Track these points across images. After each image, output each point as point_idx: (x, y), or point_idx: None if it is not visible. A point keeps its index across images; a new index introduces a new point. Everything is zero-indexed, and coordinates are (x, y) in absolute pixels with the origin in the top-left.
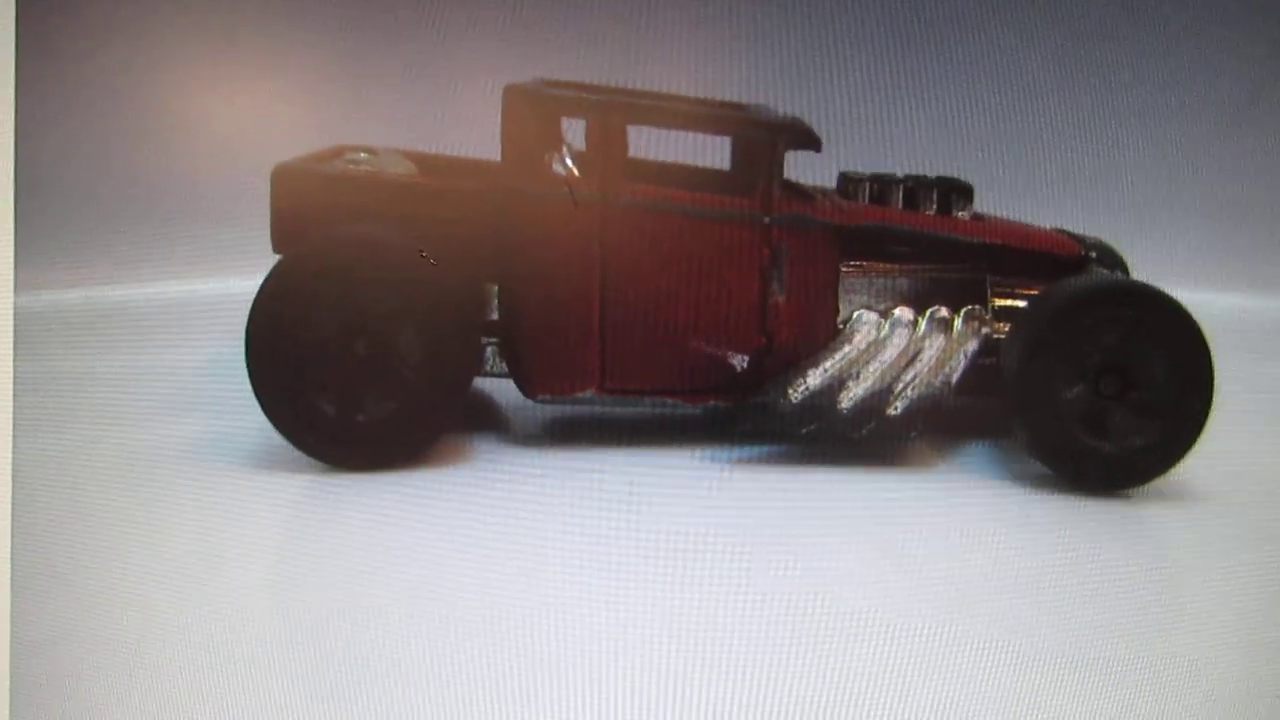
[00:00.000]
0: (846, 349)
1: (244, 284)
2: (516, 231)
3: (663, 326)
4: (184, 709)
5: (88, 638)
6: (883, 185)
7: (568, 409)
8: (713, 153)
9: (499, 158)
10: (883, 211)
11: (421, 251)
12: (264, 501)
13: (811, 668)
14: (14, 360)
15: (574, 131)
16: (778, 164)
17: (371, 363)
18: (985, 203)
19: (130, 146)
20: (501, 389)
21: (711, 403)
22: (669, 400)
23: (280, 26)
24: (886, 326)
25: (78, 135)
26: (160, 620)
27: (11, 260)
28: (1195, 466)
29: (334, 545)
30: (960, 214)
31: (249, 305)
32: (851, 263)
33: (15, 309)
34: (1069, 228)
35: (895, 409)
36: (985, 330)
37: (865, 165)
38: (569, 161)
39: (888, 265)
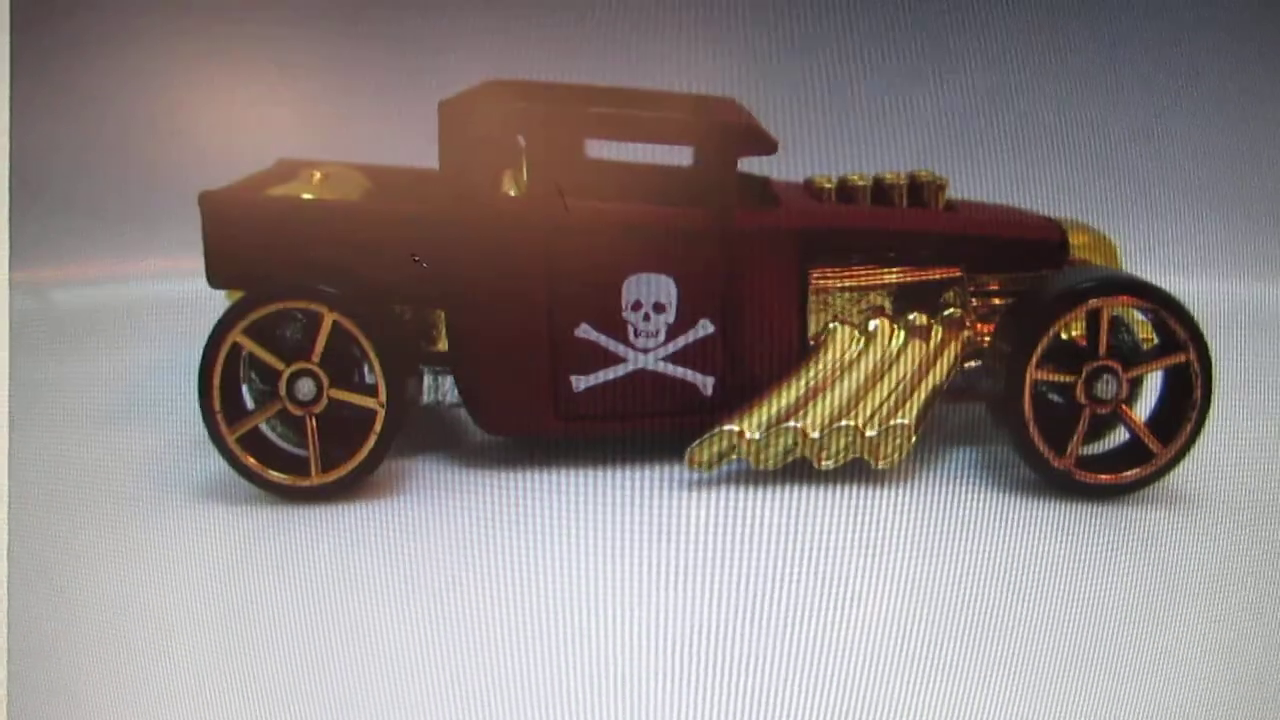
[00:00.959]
0: (817, 366)
1: None
2: (461, 255)
3: (618, 350)
4: (183, 714)
5: (83, 644)
6: (849, 184)
7: None
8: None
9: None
10: (850, 211)
11: (414, 256)
12: (266, 502)
13: (798, 680)
14: (9, 361)
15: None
16: (730, 173)
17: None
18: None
19: (130, 146)
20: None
21: (677, 428)
22: (631, 427)
23: (278, 29)
24: (860, 339)
25: (75, 137)
26: (161, 626)
27: (6, 261)
28: (1191, 468)
29: (336, 546)
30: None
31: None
32: (820, 270)
33: (11, 309)
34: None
35: (871, 429)
36: (967, 333)
37: (849, 162)
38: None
39: (859, 270)
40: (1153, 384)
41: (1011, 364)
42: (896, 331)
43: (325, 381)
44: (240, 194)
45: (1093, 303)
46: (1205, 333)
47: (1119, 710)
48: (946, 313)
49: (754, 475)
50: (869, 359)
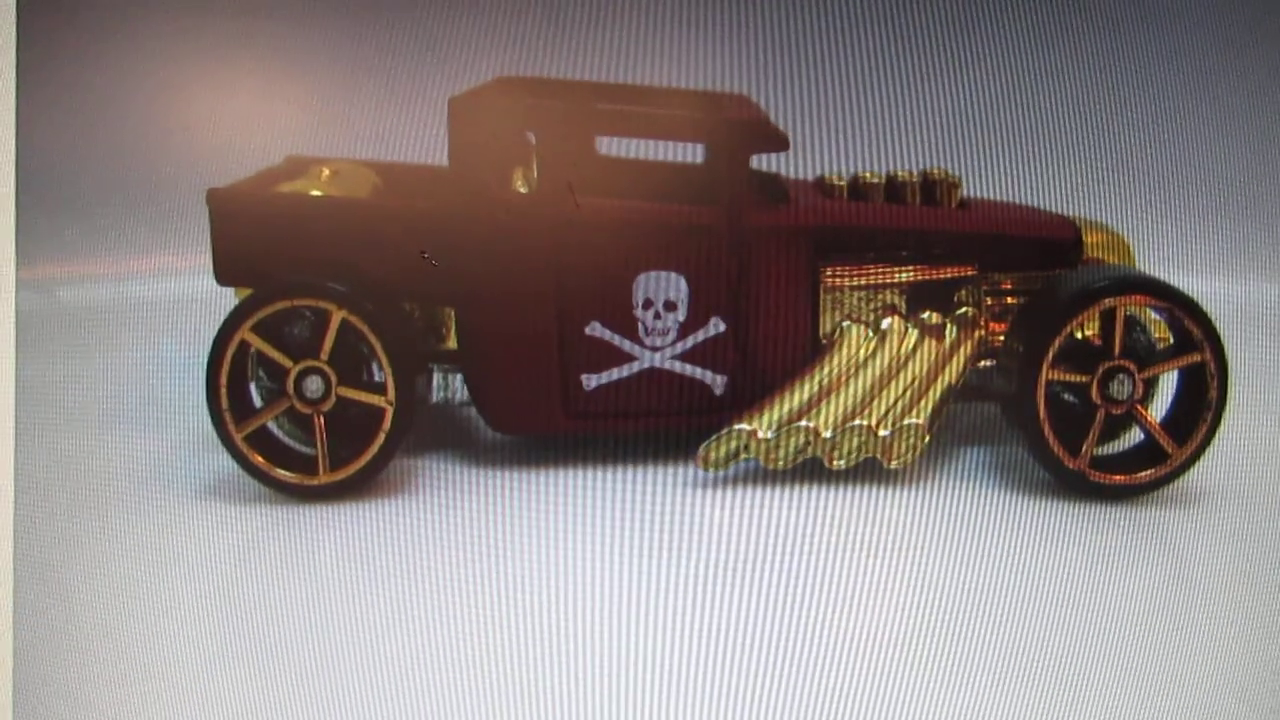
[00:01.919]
0: (829, 365)
1: None
2: (470, 253)
3: (628, 348)
4: (191, 714)
5: (90, 644)
6: (862, 182)
7: None
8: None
9: None
10: (862, 209)
11: (423, 252)
12: (274, 501)
13: (810, 680)
14: (16, 360)
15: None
16: (741, 170)
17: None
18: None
19: (138, 143)
20: None
21: (688, 427)
22: (642, 426)
23: (287, 25)
24: (873, 338)
25: (82, 134)
26: (168, 625)
27: (13, 260)
28: (1207, 469)
29: (338, 547)
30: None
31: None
32: (832, 268)
33: (17, 309)
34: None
35: (884, 429)
36: (980, 333)
37: (862, 160)
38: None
39: (872, 269)
40: (1168, 384)
41: (1025, 363)
42: (909, 330)
43: (334, 379)
44: (248, 191)
45: (1107, 302)
46: (1221, 332)
47: (1137, 713)
48: (960, 312)
49: (766, 475)
50: (882, 358)
